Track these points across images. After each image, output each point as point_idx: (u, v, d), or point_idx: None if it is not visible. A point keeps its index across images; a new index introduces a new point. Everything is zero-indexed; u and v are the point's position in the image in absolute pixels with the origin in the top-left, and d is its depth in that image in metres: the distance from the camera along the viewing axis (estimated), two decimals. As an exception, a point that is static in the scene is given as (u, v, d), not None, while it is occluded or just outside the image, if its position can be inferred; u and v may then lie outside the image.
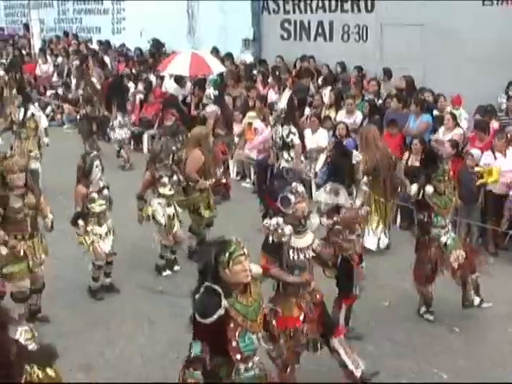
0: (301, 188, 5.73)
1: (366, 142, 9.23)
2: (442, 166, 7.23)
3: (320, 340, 5.90)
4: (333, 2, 14.95)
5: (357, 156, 7.29)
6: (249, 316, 4.43)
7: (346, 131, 11.12)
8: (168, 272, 8.73)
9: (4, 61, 20.70)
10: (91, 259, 8.02)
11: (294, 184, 5.72)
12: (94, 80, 14.78)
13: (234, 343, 4.40)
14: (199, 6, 17.90)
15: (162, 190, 8.52)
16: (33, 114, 11.61)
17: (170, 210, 8.57)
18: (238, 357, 4.43)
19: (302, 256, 5.66)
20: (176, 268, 8.80)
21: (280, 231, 5.51)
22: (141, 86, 15.78)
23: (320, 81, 14.04)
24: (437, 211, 7.13)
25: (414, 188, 7.28)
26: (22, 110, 11.68)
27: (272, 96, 13.73)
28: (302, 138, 10.84)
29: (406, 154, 10.51)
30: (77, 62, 17.58)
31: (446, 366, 6.58)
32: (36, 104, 11.98)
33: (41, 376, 3.99)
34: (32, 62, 20.56)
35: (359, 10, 14.49)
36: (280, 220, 5.54)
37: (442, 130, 10.78)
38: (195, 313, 4.34)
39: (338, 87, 13.24)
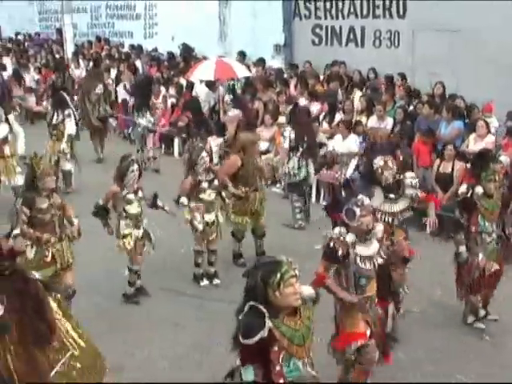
0: (367, 201, 5.58)
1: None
2: (493, 166, 7.00)
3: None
4: (364, 8, 14.92)
5: (379, 160, 7.22)
6: (295, 340, 4.17)
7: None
8: (206, 282, 8.59)
9: (38, 64, 21.02)
10: (127, 263, 7.99)
11: (359, 196, 5.58)
12: (110, 81, 15.02)
13: (277, 367, 4.16)
14: (231, 11, 18.00)
15: (201, 196, 8.32)
16: (63, 119, 11.73)
17: (210, 217, 8.39)
18: (281, 382, 4.17)
19: (368, 265, 5.55)
20: (216, 281, 8.61)
21: (342, 239, 5.42)
22: (172, 91, 15.88)
23: (350, 86, 14.02)
24: (483, 213, 6.92)
25: (463, 187, 7.09)
26: (54, 112, 11.84)
27: (302, 101, 13.73)
28: (313, 143, 10.92)
29: (437, 161, 10.47)
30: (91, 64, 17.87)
31: (477, 373, 6.51)
32: (67, 111, 11.94)
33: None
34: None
35: (391, 16, 14.44)
36: (343, 229, 5.46)
37: (472, 137, 10.70)
38: (238, 333, 4.16)
39: (368, 93, 13.22)
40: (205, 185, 8.31)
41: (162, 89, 15.86)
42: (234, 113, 12.31)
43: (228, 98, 14.26)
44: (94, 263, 8.58)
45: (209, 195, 8.36)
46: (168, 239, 9.12)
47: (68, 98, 12.50)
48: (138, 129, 14.32)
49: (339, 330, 5.62)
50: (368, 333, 5.59)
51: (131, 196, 7.75)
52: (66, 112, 11.88)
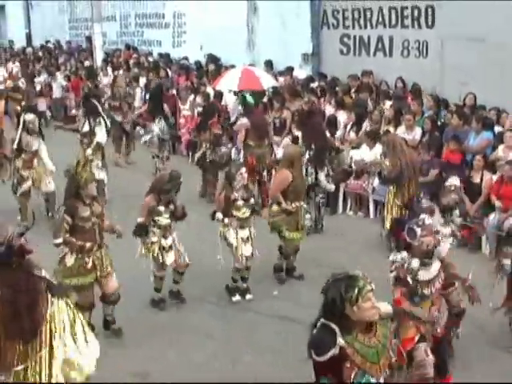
0: (429, 220, 5.55)
1: (393, 147, 9.68)
2: None
3: None
4: (393, 18, 14.87)
5: (454, 180, 7.17)
6: (369, 357, 4.13)
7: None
8: (238, 298, 8.49)
9: (68, 72, 21.25)
10: (152, 270, 8.05)
11: (421, 216, 5.56)
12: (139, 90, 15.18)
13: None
14: (259, 20, 18.05)
15: (235, 213, 8.24)
16: (94, 127, 11.80)
17: (244, 233, 8.27)
18: None
19: (427, 290, 5.55)
20: (248, 297, 8.52)
21: (407, 266, 5.39)
22: (199, 99, 15.96)
23: (377, 96, 14.00)
24: None
25: None
26: (85, 120, 11.90)
27: (329, 110, 13.73)
28: (322, 149, 10.93)
29: (467, 172, 10.42)
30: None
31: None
32: (98, 119, 12.03)
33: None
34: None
35: (419, 26, 14.38)
36: (405, 255, 5.44)
37: (501, 147, 10.64)
38: (310, 349, 4.15)
39: (398, 103, 13.16)
40: (240, 203, 8.21)
41: (190, 96, 15.99)
42: (242, 121, 12.38)
43: (238, 108, 14.27)
44: (126, 270, 8.44)
45: (243, 213, 8.27)
46: (201, 249, 9.10)
47: (99, 105, 12.61)
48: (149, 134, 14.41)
49: None
50: (417, 338, 5.57)
51: (162, 208, 7.83)
52: (98, 120, 11.96)
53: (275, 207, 8.70)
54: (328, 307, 4.11)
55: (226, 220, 8.22)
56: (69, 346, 4.99)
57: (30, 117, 10.97)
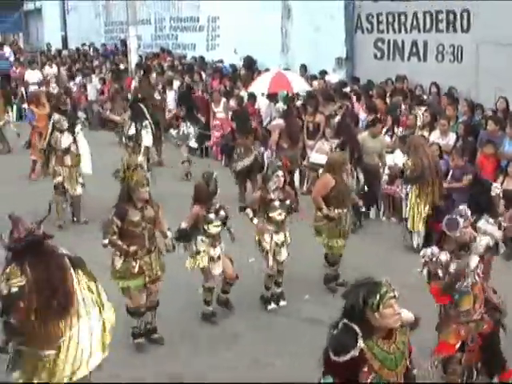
0: (468, 212, 5.52)
1: (415, 147, 10.05)
2: None
3: (478, 372, 5.70)
4: (427, 22, 14.81)
5: (496, 188, 7.12)
6: (387, 364, 4.13)
7: (440, 152, 11.05)
8: (273, 306, 8.32)
9: (103, 75, 21.47)
10: (202, 281, 7.90)
11: (461, 207, 5.53)
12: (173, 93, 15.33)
13: None
14: (293, 23, 18.08)
15: (271, 214, 8.05)
16: (140, 130, 11.85)
17: (279, 238, 8.10)
18: None
19: (464, 282, 5.47)
20: (282, 303, 8.40)
21: (435, 261, 5.36)
22: (233, 102, 16.03)
23: (412, 101, 13.92)
24: None
25: None
26: (131, 123, 11.95)
27: (362, 115, 13.71)
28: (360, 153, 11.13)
29: (501, 178, 10.33)
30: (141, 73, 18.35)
31: None
32: (145, 122, 12.10)
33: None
34: (129, 77, 21.20)
35: (455, 30, 14.29)
36: (434, 249, 5.41)
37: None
38: (328, 348, 4.14)
39: (432, 108, 13.09)
40: (276, 204, 8.03)
41: (223, 98, 16.07)
42: (277, 122, 12.38)
43: (281, 106, 14.22)
44: (172, 279, 8.26)
45: (279, 214, 8.07)
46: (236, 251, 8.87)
47: (145, 109, 12.66)
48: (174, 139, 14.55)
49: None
50: (457, 345, 5.52)
51: (212, 216, 7.64)
52: (144, 123, 12.02)
53: (319, 212, 8.60)
54: (348, 312, 4.12)
55: (255, 220, 8.08)
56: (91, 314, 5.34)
57: (56, 117, 11.37)
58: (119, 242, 6.90)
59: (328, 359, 4.13)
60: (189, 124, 14.54)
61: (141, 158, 11.62)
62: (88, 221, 11.31)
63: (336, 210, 8.52)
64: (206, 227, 7.63)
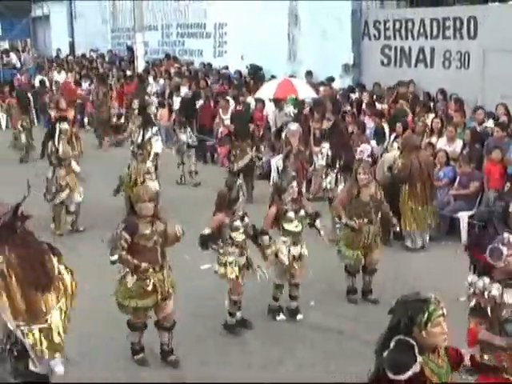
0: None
1: (409, 149, 10.21)
2: None
3: None
4: (434, 29, 14.86)
5: None
6: (442, 379, 3.98)
7: (446, 159, 11.06)
8: (282, 317, 8.02)
9: (110, 81, 21.51)
10: (228, 293, 7.60)
11: (506, 235, 5.09)
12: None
13: None
14: (300, 30, 18.14)
15: (287, 226, 7.77)
16: (150, 138, 11.64)
17: (297, 250, 7.79)
18: None
19: None
20: (299, 317, 8.03)
21: (487, 294, 4.98)
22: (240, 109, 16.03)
23: (415, 106, 13.92)
24: None
25: None
26: (141, 131, 11.69)
27: (369, 123, 13.69)
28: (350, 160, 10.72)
29: (508, 185, 10.32)
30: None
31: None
32: (154, 129, 11.93)
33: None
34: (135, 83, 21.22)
35: (461, 37, 14.33)
36: (487, 281, 5.01)
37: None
38: (385, 369, 3.85)
39: (440, 115, 13.06)
40: (291, 214, 7.74)
41: (231, 106, 16.06)
42: (295, 127, 12.22)
43: (291, 110, 14.22)
44: (190, 292, 8.20)
45: (295, 226, 7.78)
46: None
47: (153, 116, 12.58)
48: (178, 144, 14.51)
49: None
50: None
51: (238, 223, 7.38)
52: (154, 130, 11.82)
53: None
54: (394, 329, 3.95)
55: (269, 251, 7.66)
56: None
57: (64, 126, 11.01)
58: (128, 257, 6.46)
59: (385, 381, 3.88)
60: (183, 130, 14.51)
61: (149, 164, 11.52)
62: (85, 229, 11.15)
63: (358, 220, 8.26)
64: (232, 235, 7.37)
